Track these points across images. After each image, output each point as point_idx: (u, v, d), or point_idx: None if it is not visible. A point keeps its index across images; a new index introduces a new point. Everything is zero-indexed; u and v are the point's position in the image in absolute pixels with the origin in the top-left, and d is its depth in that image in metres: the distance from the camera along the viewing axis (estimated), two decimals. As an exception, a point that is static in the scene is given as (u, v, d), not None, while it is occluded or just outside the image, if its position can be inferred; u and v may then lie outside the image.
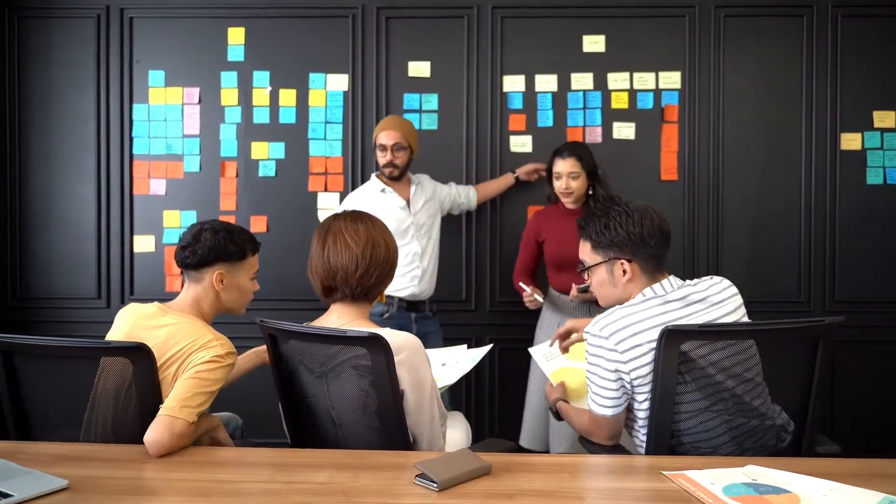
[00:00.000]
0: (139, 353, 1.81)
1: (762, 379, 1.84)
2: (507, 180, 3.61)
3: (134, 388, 1.83)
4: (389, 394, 1.73)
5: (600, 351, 1.87)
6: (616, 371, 1.85)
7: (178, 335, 1.93)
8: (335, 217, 1.92)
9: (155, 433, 1.70)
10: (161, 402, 1.80)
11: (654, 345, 1.80)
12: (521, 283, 3.09)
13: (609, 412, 1.89)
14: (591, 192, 3.11)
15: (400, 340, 1.77)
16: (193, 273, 2.07)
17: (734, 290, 1.98)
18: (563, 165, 3.07)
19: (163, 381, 1.87)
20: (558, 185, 3.09)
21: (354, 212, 1.94)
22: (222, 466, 1.64)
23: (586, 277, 2.07)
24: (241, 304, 2.16)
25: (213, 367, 1.86)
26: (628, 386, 1.86)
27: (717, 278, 1.99)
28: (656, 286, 1.92)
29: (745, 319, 1.97)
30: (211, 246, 2.03)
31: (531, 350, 2.60)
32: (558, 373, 2.41)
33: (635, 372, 1.83)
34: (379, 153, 3.20)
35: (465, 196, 3.48)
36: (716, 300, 1.92)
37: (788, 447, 1.87)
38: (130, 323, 2.02)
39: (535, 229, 3.22)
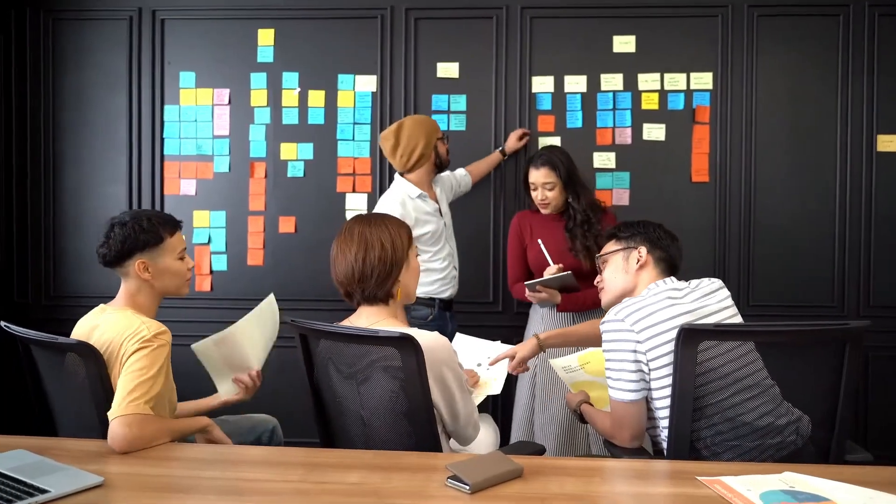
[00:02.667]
0: (85, 350, 1.88)
1: (768, 375, 1.90)
2: (495, 158, 3.59)
3: (87, 384, 1.89)
4: (420, 395, 1.73)
5: (617, 335, 1.95)
6: (634, 352, 1.92)
7: (108, 330, 1.96)
8: (343, 226, 1.94)
9: (111, 433, 1.73)
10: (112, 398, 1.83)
11: (666, 326, 1.89)
12: (527, 286, 2.95)
13: (629, 396, 1.93)
14: (570, 201, 3.03)
15: (430, 340, 1.77)
16: (118, 269, 2.07)
17: (723, 286, 2.10)
18: (537, 176, 3.01)
19: (111, 378, 1.90)
20: (535, 195, 3.05)
21: (357, 216, 1.96)
22: (254, 465, 1.65)
23: (601, 271, 2.23)
24: (178, 284, 2.13)
25: (144, 352, 1.86)
26: (646, 369, 1.91)
27: (706, 279, 2.11)
28: (660, 281, 2.08)
29: (737, 315, 2.08)
30: (122, 239, 2.02)
31: (552, 361, 2.59)
32: (577, 385, 2.43)
33: (651, 353, 1.90)
34: (442, 146, 3.16)
35: (465, 183, 3.45)
36: (706, 291, 2.05)
37: (815, 452, 1.87)
38: (80, 328, 2.06)
39: (518, 231, 3.16)
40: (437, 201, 3.18)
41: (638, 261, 2.11)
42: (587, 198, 3.05)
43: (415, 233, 2.95)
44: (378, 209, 3.07)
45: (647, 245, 2.12)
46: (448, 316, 3.21)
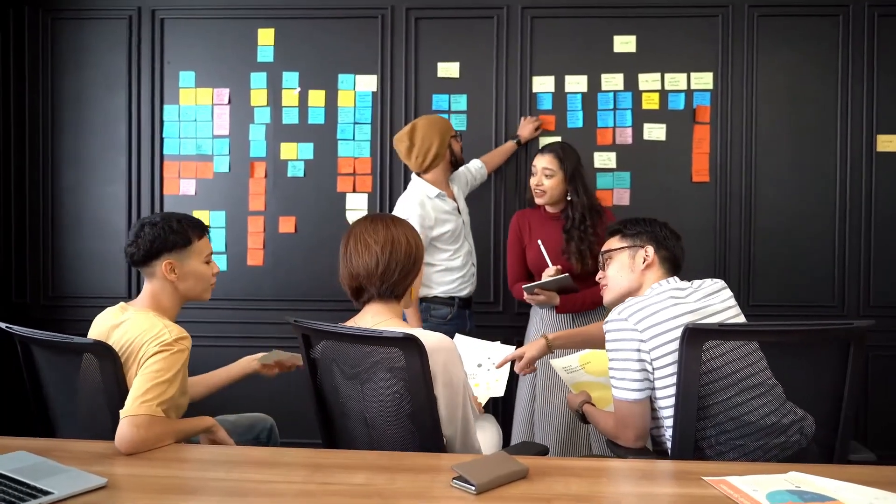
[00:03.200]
0: (101, 350, 1.88)
1: (771, 374, 1.90)
2: (510, 147, 3.59)
3: (102, 384, 1.89)
4: (423, 396, 1.72)
5: (620, 334, 1.94)
6: (637, 350, 1.91)
7: (130, 330, 1.96)
8: (357, 221, 1.95)
9: (119, 433, 1.73)
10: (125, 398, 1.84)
11: (670, 325, 1.89)
12: (524, 289, 2.96)
13: (633, 396, 1.93)
14: (569, 199, 3.02)
15: (434, 341, 1.77)
16: (145, 269, 2.09)
17: (725, 286, 2.10)
18: (540, 161, 3.02)
19: (127, 378, 1.91)
20: (532, 181, 3.04)
21: (374, 214, 1.97)
22: (259, 466, 1.64)
23: (604, 268, 2.21)
24: (202, 289, 2.16)
25: (164, 355, 1.87)
26: (649, 368, 1.91)
27: (709, 279, 2.12)
28: (663, 281, 2.08)
29: (740, 315, 2.08)
30: (151, 239, 2.04)
31: (552, 361, 2.59)
32: (578, 385, 2.42)
33: (655, 352, 1.89)
34: (456, 144, 3.18)
35: (480, 175, 3.46)
36: (709, 291, 2.05)
37: (818, 452, 1.87)
38: (99, 325, 2.07)
39: (518, 230, 3.15)
40: (454, 199, 3.18)
41: (644, 260, 2.10)
42: (588, 198, 3.03)
43: (435, 232, 2.98)
44: (398, 210, 3.07)
45: (654, 244, 2.11)
46: (467, 314, 3.21)
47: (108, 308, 2.10)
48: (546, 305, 3.00)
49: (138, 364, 1.88)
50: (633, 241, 2.14)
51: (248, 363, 2.37)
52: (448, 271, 3.09)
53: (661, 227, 2.15)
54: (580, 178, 3.02)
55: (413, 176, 3.18)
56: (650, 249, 2.10)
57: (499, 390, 2.44)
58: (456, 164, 3.20)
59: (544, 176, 3.00)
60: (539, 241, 3.00)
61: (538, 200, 3.05)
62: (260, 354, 2.36)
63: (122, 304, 2.10)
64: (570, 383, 2.45)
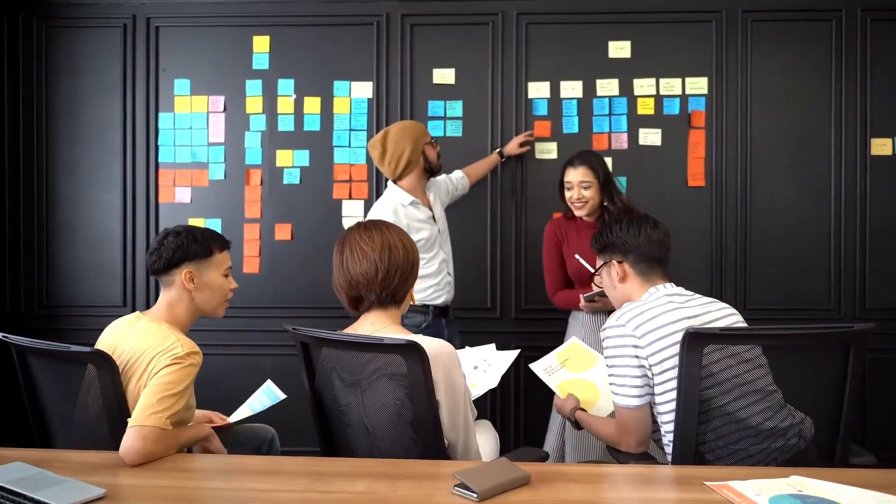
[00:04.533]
0: (100, 359, 1.87)
1: (771, 378, 1.87)
2: (493, 160, 3.59)
3: (100, 393, 1.88)
4: (425, 402, 1.71)
5: (619, 340, 1.94)
6: (636, 357, 1.91)
7: (142, 341, 1.97)
8: (349, 229, 1.95)
9: (126, 443, 1.72)
10: (126, 408, 1.84)
11: (668, 330, 1.89)
12: (584, 298, 2.89)
13: (634, 402, 1.93)
14: (605, 204, 3.00)
15: (435, 347, 1.76)
16: (164, 277, 2.11)
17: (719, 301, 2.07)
18: (574, 175, 2.98)
19: (128, 387, 1.91)
20: (570, 195, 3.01)
21: (367, 221, 1.97)
22: (259, 475, 1.63)
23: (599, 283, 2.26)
24: (218, 302, 2.19)
25: (174, 368, 1.88)
26: (649, 374, 1.91)
27: (707, 297, 2.08)
28: (653, 288, 2.06)
29: (741, 321, 2.06)
30: (174, 247, 2.08)
31: (532, 365, 2.57)
32: (562, 385, 2.41)
33: (654, 357, 1.89)
34: (431, 150, 3.14)
35: (462, 186, 3.44)
36: (708, 300, 2.04)
37: (817, 455, 1.86)
38: (110, 334, 2.07)
39: (555, 238, 3.10)
40: (430, 207, 3.16)
41: (618, 274, 2.11)
42: (623, 202, 3.01)
43: None
44: (370, 217, 3.04)
45: (620, 255, 2.10)
46: (443, 322, 3.18)
47: (123, 317, 2.11)
48: (599, 311, 2.96)
49: (148, 375, 1.88)
50: (604, 258, 2.16)
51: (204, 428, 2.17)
52: (421, 279, 3.05)
53: (619, 230, 2.11)
54: (612, 184, 3.01)
55: (388, 183, 3.17)
56: (617, 265, 2.10)
57: (492, 381, 2.43)
58: (432, 171, 3.17)
59: (583, 188, 2.96)
60: (577, 255, 2.96)
61: (578, 213, 3.01)
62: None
63: (136, 313, 2.11)
64: (555, 385, 2.43)
